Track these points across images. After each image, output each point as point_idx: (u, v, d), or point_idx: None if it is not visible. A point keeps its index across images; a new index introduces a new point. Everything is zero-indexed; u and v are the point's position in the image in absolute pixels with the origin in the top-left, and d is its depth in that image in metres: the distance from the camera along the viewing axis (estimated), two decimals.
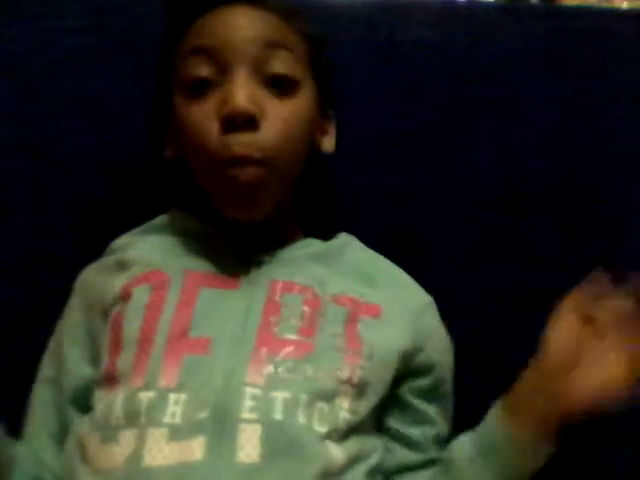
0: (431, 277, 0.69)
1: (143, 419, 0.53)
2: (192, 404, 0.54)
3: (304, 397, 0.55)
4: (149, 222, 0.69)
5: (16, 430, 0.61)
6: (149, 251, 0.64)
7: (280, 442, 0.53)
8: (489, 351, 0.77)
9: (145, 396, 0.54)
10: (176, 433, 0.52)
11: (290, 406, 0.54)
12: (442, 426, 0.65)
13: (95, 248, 0.68)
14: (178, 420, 0.53)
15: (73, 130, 0.77)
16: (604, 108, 0.83)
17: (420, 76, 0.81)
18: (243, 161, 0.59)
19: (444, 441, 0.65)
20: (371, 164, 0.80)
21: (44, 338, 0.66)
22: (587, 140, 0.82)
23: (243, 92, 0.59)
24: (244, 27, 0.62)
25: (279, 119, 0.60)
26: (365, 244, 0.72)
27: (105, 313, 0.62)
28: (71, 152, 0.77)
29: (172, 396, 0.54)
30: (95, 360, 0.61)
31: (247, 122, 0.58)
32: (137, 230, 0.68)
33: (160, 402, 0.54)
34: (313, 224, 0.72)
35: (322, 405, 0.56)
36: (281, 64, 0.62)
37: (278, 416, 0.53)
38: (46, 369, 0.64)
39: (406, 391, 0.64)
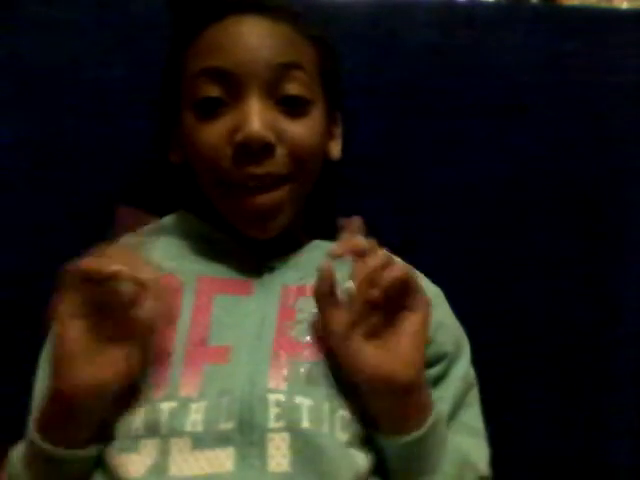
0: (430, 278, 0.69)
1: (164, 429, 0.53)
2: (214, 412, 0.53)
3: (326, 405, 0.55)
4: (156, 222, 0.68)
5: (16, 427, 0.61)
6: (160, 254, 0.63)
7: (309, 450, 0.52)
8: (489, 352, 0.77)
9: (166, 406, 0.54)
10: (200, 442, 0.52)
11: (315, 414, 0.54)
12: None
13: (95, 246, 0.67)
14: (200, 429, 0.52)
15: (73, 129, 0.77)
16: (604, 107, 0.83)
17: (421, 76, 0.81)
18: (258, 189, 0.59)
19: None
20: (371, 164, 0.80)
21: (44, 337, 0.65)
22: (588, 140, 0.83)
23: (258, 118, 0.58)
24: (257, 46, 0.60)
25: (295, 141, 0.60)
26: None
27: None
28: (71, 151, 0.77)
29: (193, 405, 0.53)
30: None
31: (263, 149, 0.58)
32: (144, 230, 0.68)
33: (181, 411, 0.53)
34: (317, 225, 0.72)
35: (343, 413, 0.55)
36: (295, 86, 0.61)
37: (305, 424, 0.53)
38: (47, 368, 0.60)
39: None
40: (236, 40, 0.60)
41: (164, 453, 0.52)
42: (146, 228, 0.68)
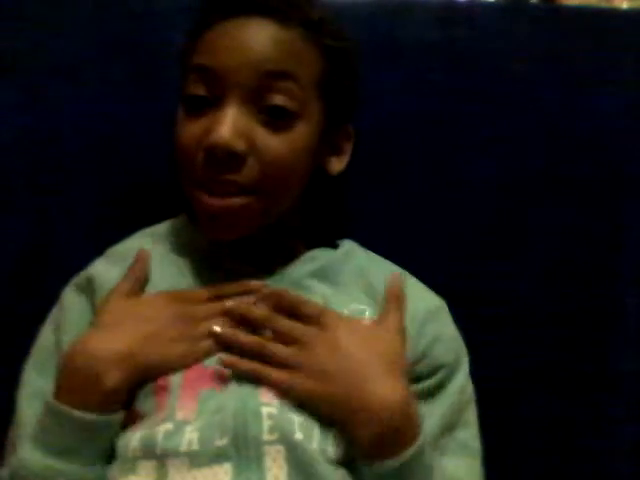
0: (430, 277, 0.69)
1: (159, 450, 0.53)
2: (208, 430, 0.53)
3: (317, 424, 0.55)
4: (153, 228, 0.68)
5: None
6: (157, 271, 0.63)
7: (302, 462, 0.52)
8: (487, 353, 0.77)
9: (162, 428, 0.54)
10: (196, 460, 0.52)
11: (306, 429, 0.54)
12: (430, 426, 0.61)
13: (96, 248, 0.67)
14: (196, 447, 0.53)
15: (73, 130, 0.77)
16: (604, 108, 0.83)
17: (421, 75, 0.81)
18: (222, 193, 0.58)
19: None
20: (371, 163, 0.79)
21: None
22: (587, 139, 0.83)
23: (229, 126, 0.57)
24: (249, 51, 0.58)
25: (269, 154, 0.58)
26: (364, 246, 0.72)
27: None
28: (71, 151, 0.77)
29: (188, 427, 0.54)
30: None
31: (229, 157, 0.57)
32: (139, 235, 0.67)
33: (176, 432, 0.53)
34: (316, 230, 0.71)
35: (334, 432, 0.55)
36: (281, 97, 0.59)
37: (298, 436, 0.53)
38: (38, 381, 0.60)
39: None
40: (231, 42, 0.59)
41: (162, 474, 0.52)
42: (140, 233, 0.68)
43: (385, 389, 0.55)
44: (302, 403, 0.55)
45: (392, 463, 0.53)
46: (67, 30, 0.79)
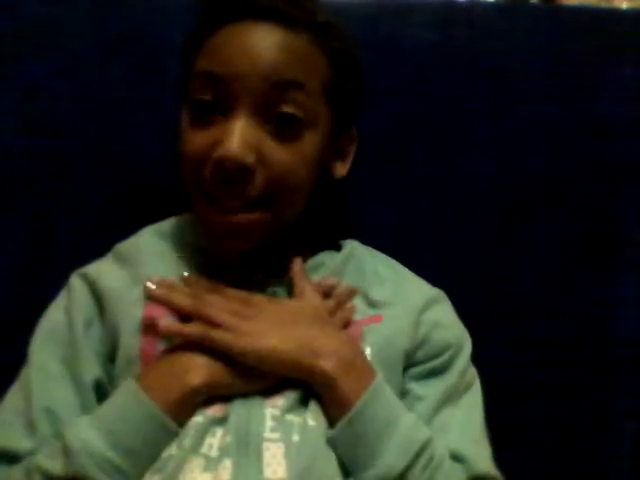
0: (430, 277, 0.70)
1: (187, 442, 0.53)
2: (224, 437, 0.54)
3: (313, 422, 0.55)
4: (158, 224, 0.68)
5: None
6: (156, 269, 0.63)
7: (302, 462, 0.53)
8: (488, 351, 0.77)
9: (193, 421, 0.54)
10: (210, 462, 0.52)
11: (305, 429, 0.55)
12: (425, 406, 0.62)
13: (96, 248, 0.67)
14: (214, 454, 0.53)
15: (74, 130, 0.77)
16: (604, 108, 0.83)
17: (420, 76, 0.81)
18: (231, 210, 0.58)
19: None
20: (371, 165, 0.80)
21: None
22: (587, 139, 0.83)
23: (238, 139, 0.56)
24: (257, 59, 0.57)
25: (278, 166, 0.58)
26: (365, 244, 0.72)
27: (117, 328, 0.60)
28: (71, 151, 0.77)
29: (218, 429, 0.54)
30: (110, 359, 0.61)
31: (239, 171, 0.57)
32: (144, 232, 0.67)
33: (204, 430, 0.54)
34: (319, 233, 0.71)
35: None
36: (289, 106, 0.58)
37: (296, 438, 0.54)
38: (47, 361, 0.60)
39: (405, 377, 0.63)
40: (239, 48, 0.58)
41: (178, 468, 0.52)
42: (147, 230, 0.68)
43: (328, 334, 0.58)
44: (261, 360, 0.56)
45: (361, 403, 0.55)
46: (67, 30, 0.79)
